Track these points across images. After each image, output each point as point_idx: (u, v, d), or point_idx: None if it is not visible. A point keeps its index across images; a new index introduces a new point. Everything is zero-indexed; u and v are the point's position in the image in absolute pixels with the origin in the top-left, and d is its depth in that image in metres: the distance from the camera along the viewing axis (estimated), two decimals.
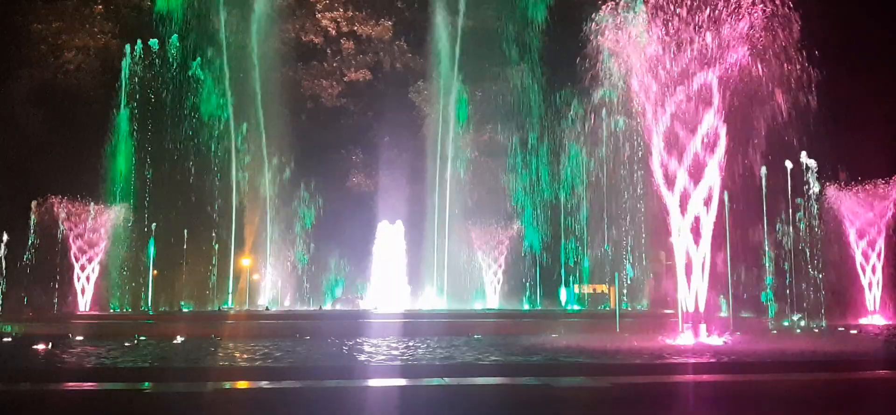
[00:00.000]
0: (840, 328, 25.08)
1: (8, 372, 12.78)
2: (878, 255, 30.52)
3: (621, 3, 17.50)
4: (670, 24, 16.89)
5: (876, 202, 30.67)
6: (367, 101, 37.70)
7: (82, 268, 30.57)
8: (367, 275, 33.81)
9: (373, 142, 36.12)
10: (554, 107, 36.09)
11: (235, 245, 35.02)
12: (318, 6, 37.86)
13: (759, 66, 17.00)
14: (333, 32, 38.18)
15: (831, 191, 31.24)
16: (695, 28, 16.83)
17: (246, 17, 35.65)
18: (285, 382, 12.10)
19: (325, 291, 35.38)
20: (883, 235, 30.67)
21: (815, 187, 30.06)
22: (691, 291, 17.58)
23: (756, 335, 19.40)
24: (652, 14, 16.95)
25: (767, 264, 29.31)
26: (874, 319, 29.02)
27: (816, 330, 24.36)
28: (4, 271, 30.06)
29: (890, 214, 30.56)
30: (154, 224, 30.18)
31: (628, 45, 17.60)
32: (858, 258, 30.68)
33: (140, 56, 32.15)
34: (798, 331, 23.50)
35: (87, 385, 11.90)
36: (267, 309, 30.86)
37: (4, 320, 24.55)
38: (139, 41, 31.75)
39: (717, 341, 17.33)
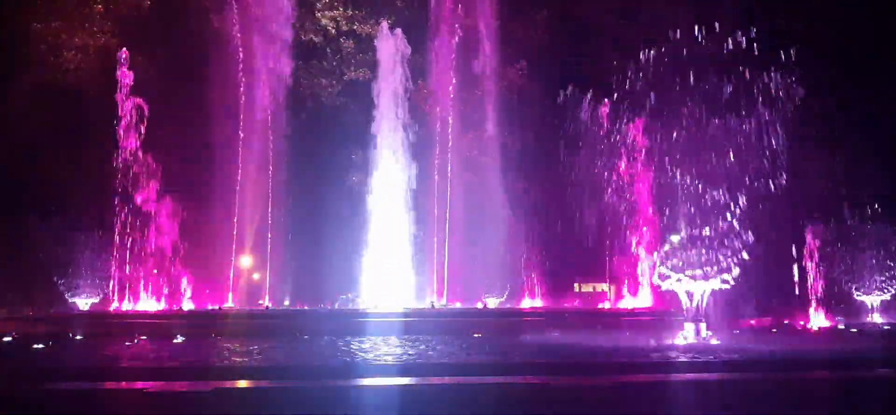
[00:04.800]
0: (841, 327, 25.15)
1: None
2: None
3: None
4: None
5: None
6: (366, 101, 37.66)
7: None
8: (365, 272, 33.71)
9: (372, 140, 36.05)
10: (553, 108, 36.06)
11: (235, 244, 34.99)
12: (318, 5, 37.82)
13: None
14: (333, 31, 38.16)
15: None
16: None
17: (248, 17, 35.63)
18: (285, 381, 12.12)
19: (325, 292, 35.28)
20: None
21: None
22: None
23: (757, 335, 19.44)
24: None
25: None
26: (874, 316, 29.06)
27: (817, 329, 24.42)
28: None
29: None
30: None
31: None
32: None
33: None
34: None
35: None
36: (267, 308, 30.88)
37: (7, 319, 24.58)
38: None
39: (717, 339, 17.37)
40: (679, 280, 18.01)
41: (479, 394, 11.08)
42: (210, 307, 30.14)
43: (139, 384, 11.81)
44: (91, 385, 11.81)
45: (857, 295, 29.91)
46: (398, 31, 34.65)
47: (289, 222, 35.92)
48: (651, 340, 17.88)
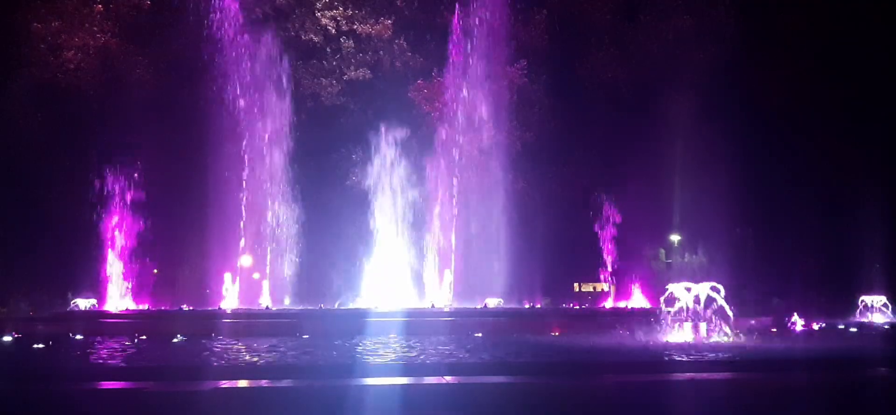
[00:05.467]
0: (840, 326, 25.19)
1: None
2: None
3: None
4: None
5: None
6: (366, 100, 37.62)
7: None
8: (365, 272, 33.68)
9: (372, 140, 36.06)
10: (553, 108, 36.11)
11: (235, 244, 34.98)
12: (318, 4, 37.76)
13: None
14: (333, 31, 38.10)
15: None
16: None
17: (248, 16, 35.61)
18: (285, 380, 12.11)
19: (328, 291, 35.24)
20: None
21: None
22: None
23: (758, 335, 19.44)
24: None
25: None
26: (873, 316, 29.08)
27: (817, 328, 24.43)
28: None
29: None
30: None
31: None
32: None
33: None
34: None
35: None
36: (267, 308, 30.85)
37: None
38: None
39: (718, 339, 17.38)
40: (686, 289, 18.15)
41: (479, 394, 11.07)
42: (210, 307, 30.11)
43: (138, 384, 11.80)
44: (91, 385, 11.82)
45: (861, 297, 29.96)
46: None
47: (289, 222, 35.89)
48: (651, 339, 17.90)
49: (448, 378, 12.02)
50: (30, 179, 32.19)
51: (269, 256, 35.22)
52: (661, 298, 19.76)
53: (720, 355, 14.76)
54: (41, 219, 31.93)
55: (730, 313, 18.35)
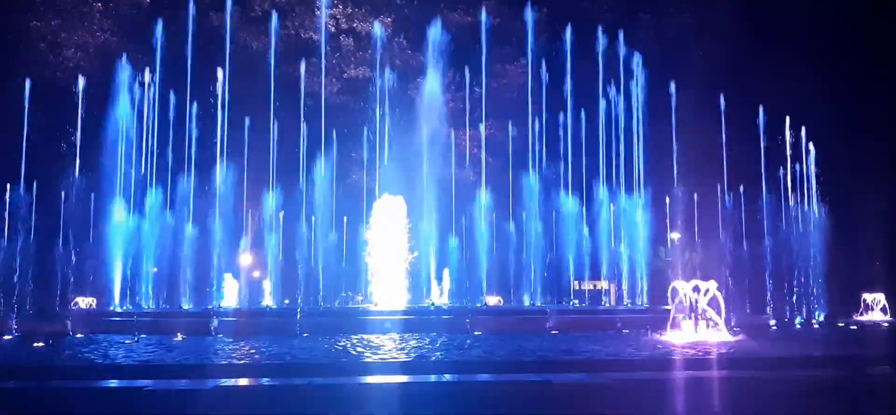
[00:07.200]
0: (841, 323, 25.22)
1: None
2: None
3: None
4: None
5: None
6: (365, 98, 37.66)
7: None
8: (365, 270, 33.67)
9: (371, 139, 36.06)
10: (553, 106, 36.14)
11: (235, 243, 34.96)
12: (318, 2, 37.82)
13: None
14: (333, 29, 38.16)
15: None
16: None
17: (246, 16, 35.68)
18: (285, 379, 12.11)
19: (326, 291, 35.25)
20: None
21: None
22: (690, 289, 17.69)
23: (756, 333, 19.45)
24: None
25: None
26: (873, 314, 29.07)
27: (816, 326, 24.45)
28: None
29: None
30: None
31: None
32: None
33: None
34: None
35: None
36: (267, 307, 30.92)
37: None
38: None
39: (716, 338, 17.40)
40: (685, 288, 18.16)
41: (478, 392, 11.08)
42: (210, 306, 30.13)
43: (139, 383, 11.80)
44: (91, 383, 11.83)
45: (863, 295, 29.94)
46: None
47: (289, 220, 35.90)
48: (651, 337, 17.92)
49: (447, 376, 12.04)
50: (29, 177, 32.20)
51: (269, 255, 35.24)
52: (667, 296, 19.77)
53: (721, 352, 14.76)
54: (41, 217, 31.89)
55: (724, 312, 18.36)
